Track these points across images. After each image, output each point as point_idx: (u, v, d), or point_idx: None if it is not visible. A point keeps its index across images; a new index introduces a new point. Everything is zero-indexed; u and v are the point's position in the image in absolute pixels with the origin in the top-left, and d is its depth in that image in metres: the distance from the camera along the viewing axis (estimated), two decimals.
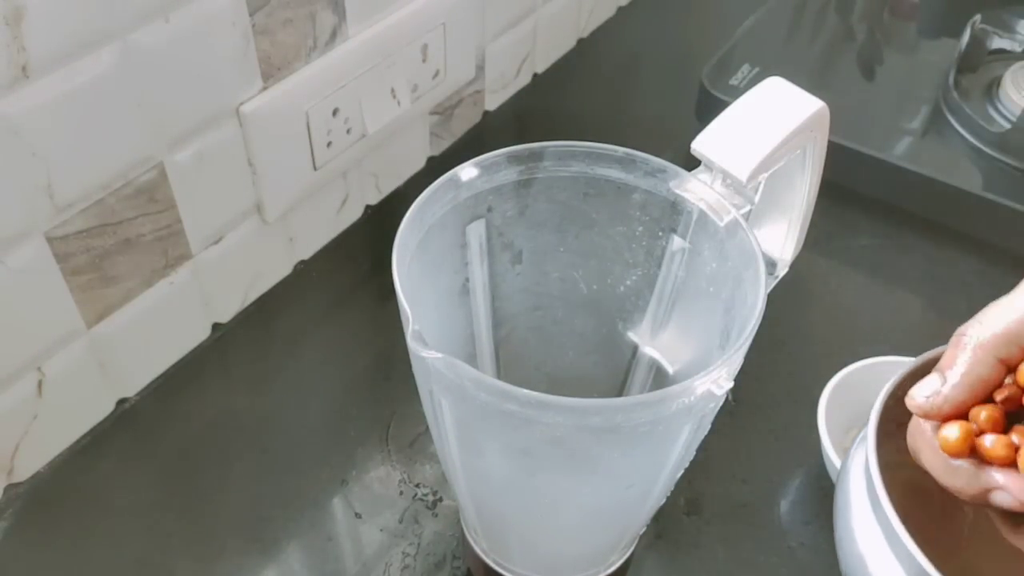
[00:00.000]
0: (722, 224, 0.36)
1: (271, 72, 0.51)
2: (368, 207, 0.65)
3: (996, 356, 0.30)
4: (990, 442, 0.29)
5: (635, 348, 0.44)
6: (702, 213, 0.37)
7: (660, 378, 0.43)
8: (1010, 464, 0.29)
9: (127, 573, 0.46)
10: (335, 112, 0.55)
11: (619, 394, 0.45)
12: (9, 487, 0.48)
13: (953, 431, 0.30)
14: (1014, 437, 0.29)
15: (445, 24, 0.60)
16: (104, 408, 0.52)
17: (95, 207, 0.45)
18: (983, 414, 0.30)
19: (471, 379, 0.30)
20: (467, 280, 0.41)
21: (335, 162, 0.57)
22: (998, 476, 0.29)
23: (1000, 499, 0.29)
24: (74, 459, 0.50)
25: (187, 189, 0.49)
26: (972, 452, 0.30)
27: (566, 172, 0.39)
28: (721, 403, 0.34)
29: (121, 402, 0.53)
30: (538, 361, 0.46)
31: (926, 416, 0.31)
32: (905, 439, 0.33)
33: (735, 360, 0.31)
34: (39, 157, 0.41)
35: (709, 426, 0.35)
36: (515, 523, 0.40)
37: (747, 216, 0.36)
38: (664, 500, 0.40)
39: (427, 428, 0.38)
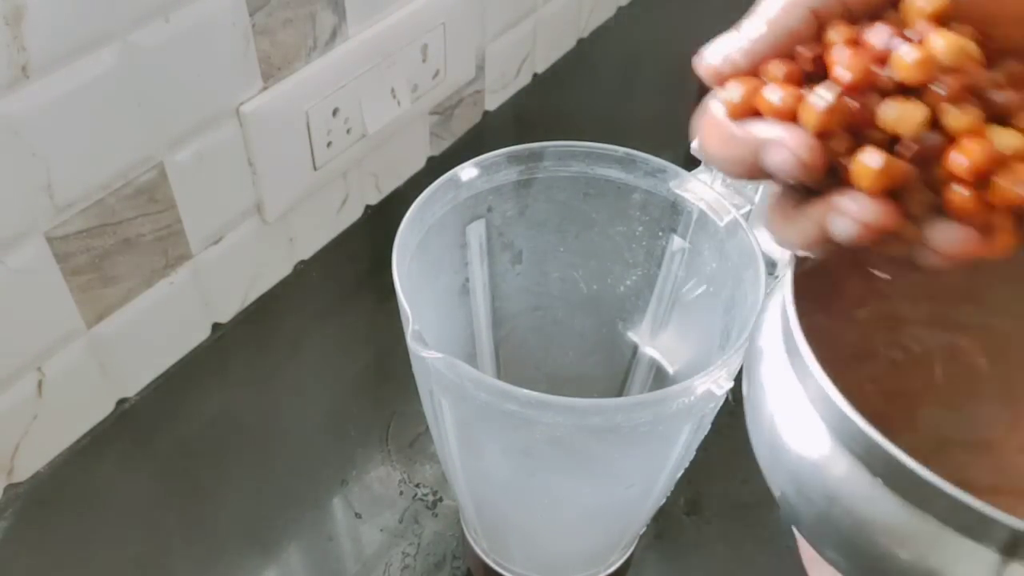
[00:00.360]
0: (722, 224, 0.36)
1: (271, 72, 0.51)
2: (368, 207, 0.65)
3: (809, 7, 0.24)
4: (773, 92, 0.24)
5: (635, 348, 0.44)
6: (702, 213, 0.37)
7: (660, 378, 0.43)
8: (791, 118, 0.23)
9: (127, 573, 0.46)
10: (335, 112, 0.55)
11: (619, 394, 0.45)
12: (9, 487, 0.48)
13: (737, 88, 0.25)
14: (804, 92, 0.23)
15: (445, 24, 0.60)
16: (104, 408, 0.52)
17: (95, 207, 0.45)
18: (778, 69, 0.24)
19: (471, 379, 0.30)
20: (467, 280, 0.41)
21: (335, 162, 0.57)
22: (777, 130, 0.23)
23: (774, 158, 0.23)
24: (74, 459, 0.50)
25: (187, 189, 0.49)
26: (753, 113, 0.24)
27: (566, 172, 0.39)
28: (721, 403, 0.34)
29: (121, 402, 0.53)
30: (538, 361, 0.46)
31: (718, 76, 0.25)
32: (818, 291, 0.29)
33: (735, 360, 0.31)
34: (39, 157, 0.41)
35: (709, 426, 0.35)
36: (515, 523, 0.40)
37: (747, 216, 0.36)
38: (664, 500, 0.40)
39: (427, 428, 0.38)
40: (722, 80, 0.25)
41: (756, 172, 0.24)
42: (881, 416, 0.34)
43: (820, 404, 0.29)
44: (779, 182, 0.25)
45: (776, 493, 0.33)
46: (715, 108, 0.25)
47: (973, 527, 0.24)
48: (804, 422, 0.30)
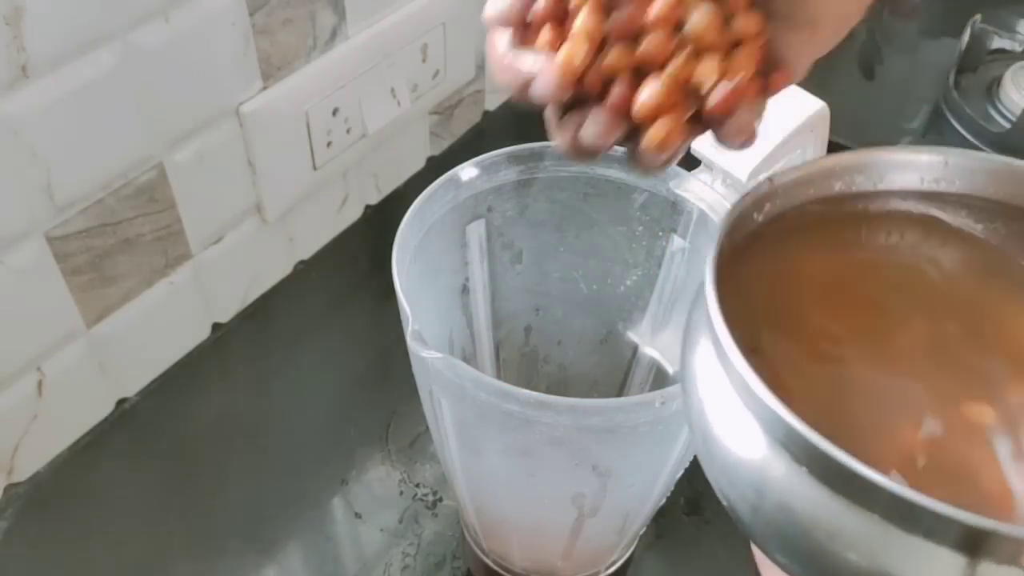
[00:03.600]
0: None
1: (271, 72, 0.51)
2: (368, 207, 0.65)
3: None
4: (541, 31, 0.28)
5: (635, 348, 0.44)
6: (702, 213, 0.37)
7: (660, 378, 0.43)
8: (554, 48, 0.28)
9: (127, 573, 0.46)
10: (335, 112, 0.55)
11: (619, 394, 0.45)
12: (9, 487, 0.48)
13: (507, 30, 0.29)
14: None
15: (445, 24, 0.60)
16: (104, 408, 0.52)
17: (95, 207, 0.45)
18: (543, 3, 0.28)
19: (471, 379, 0.30)
20: (467, 280, 0.41)
21: (335, 162, 0.57)
22: (535, 62, 0.28)
23: (535, 89, 0.29)
24: (74, 459, 0.50)
25: (187, 189, 0.49)
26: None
27: (566, 172, 0.39)
28: None
29: (121, 402, 0.53)
30: (538, 361, 0.46)
31: (497, 22, 0.30)
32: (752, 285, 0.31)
33: None
34: (39, 157, 0.41)
35: None
36: (515, 523, 0.40)
37: None
38: (664, 500, 0.40)
39: (427, 428, 0.38)
40: (500, 23, 0.30)
41: (526, 96, 0.29)
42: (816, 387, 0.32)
43: (747, 398, 0.27)
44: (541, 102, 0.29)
45: (715, 490, 0.31)
46: (498, 43, 0.30)
47: (926, 528, 0.22)
48: (734, 414, 0.28)
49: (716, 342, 0.28)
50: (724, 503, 0.30)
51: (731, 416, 0.28)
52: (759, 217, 0.33)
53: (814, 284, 0.33)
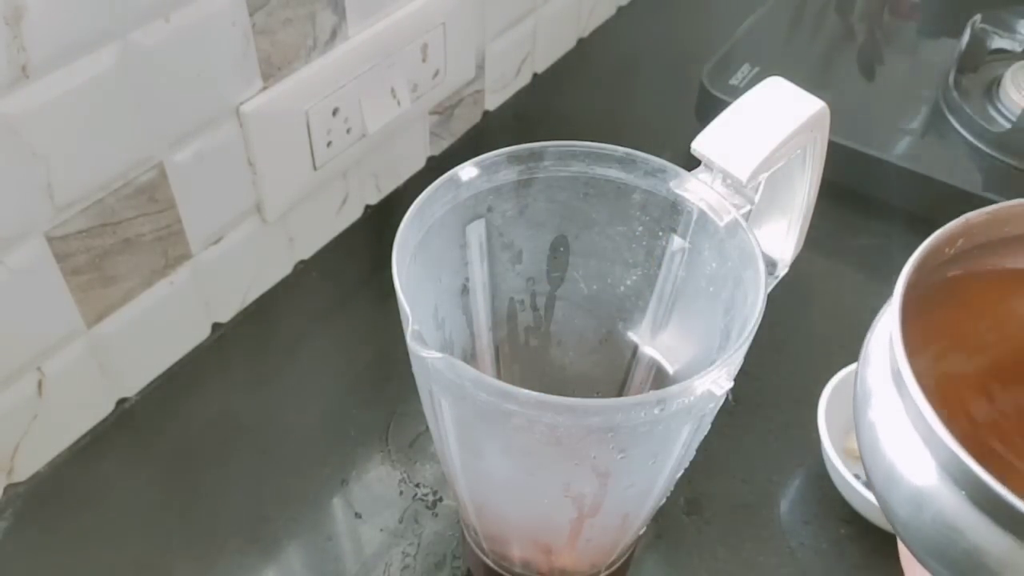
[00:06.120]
0: (722, 224, 0.36)
1: (271, 72, 0.51)
2: (368, 207, 0.65)
3: None
4: None
5: (635, 348, 0.44)
6: (702, 213, 0.37)
7: (660, 378, 0.43)
8: None
9: (127, 573, 0.46)
10: (335, 112, 0.55)
11: (619, 394, 0.45)
12: (9, 487, 0.48)
13: None
14: None
15: (445, 24, 0.60)
16: (104, 408, 0.52)
17: (95, 207, 0.45)
18: None
19: (471, 379, 0.30)
20: (467, 280, 0.41)
21: (335, 162, 0.57)
22: None
23: None
24: (74, 459, 0.50)
25: (187, 189, 0.49)
26: None
27: (566, 172, 0.39)
28: (721, 403, 0.34)
29: (121, 402, 0.53)
30: (538, 361, 0.46)
31: None
32: (935, 318, 0.32)
33: (735, 360, 0.31)
34: (39, 157, 0.41)
35: (709, 426, 0.35)
36: (515, 523, 0.40)
37: (747, 216, 0.36)
38: (664, 500, 0.40)
39: (427, 428, 0.38)
40: None
41: None
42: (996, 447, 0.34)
43: (931, 443, 0.30)
44: None
45: (889, 515, 0.33)
46: None
47: None
48: (908, 441, 0.31)
49: (897, 376, 0.30)
50: (882, 508, 0.33)
51: (904, 441, 0.31)
52: (950, 251, 0.33)
53: (1000, 320, 0.34)
